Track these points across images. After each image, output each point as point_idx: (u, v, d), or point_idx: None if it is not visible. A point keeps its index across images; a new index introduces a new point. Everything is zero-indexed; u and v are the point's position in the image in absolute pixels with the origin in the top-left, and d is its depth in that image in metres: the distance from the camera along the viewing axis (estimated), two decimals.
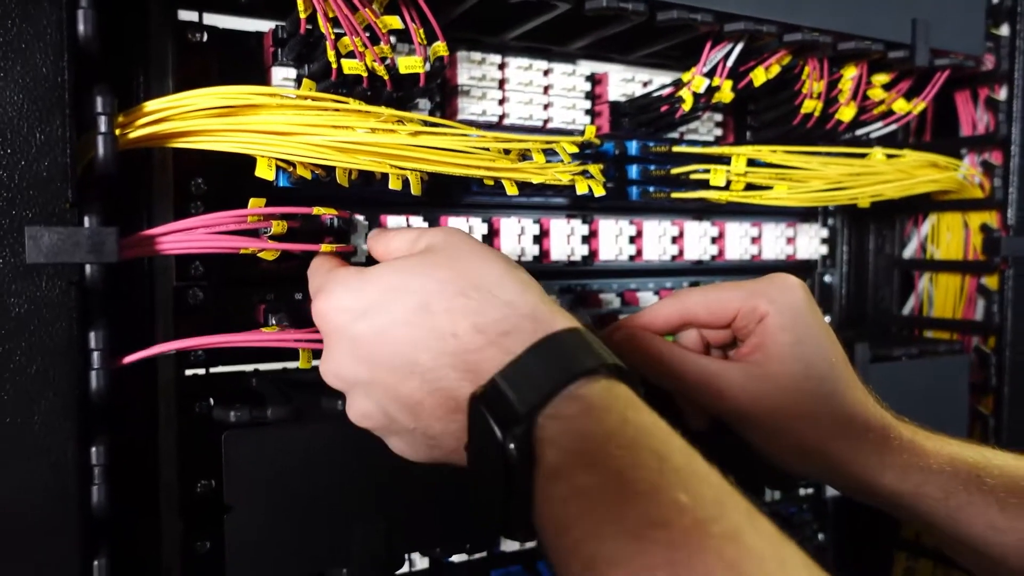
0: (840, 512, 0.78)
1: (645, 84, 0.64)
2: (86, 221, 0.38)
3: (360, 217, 0.54)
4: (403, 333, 0.36)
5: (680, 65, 0.67)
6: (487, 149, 0.49)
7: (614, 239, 0.65)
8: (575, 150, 0.53)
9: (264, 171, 0.44)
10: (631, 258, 0.66)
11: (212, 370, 0.53)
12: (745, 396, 0.45)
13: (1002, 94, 0.71)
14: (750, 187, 0.61)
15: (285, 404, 0.45)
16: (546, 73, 0.61)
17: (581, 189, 0.53)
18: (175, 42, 0.50)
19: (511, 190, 0.51)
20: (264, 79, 0.53)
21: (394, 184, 0.47)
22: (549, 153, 0.52)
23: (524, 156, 0.51)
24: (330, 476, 0.44)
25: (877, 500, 0.45)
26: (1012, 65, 0.70)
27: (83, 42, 0.38)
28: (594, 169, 0.54)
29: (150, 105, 0.41)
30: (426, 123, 0.47)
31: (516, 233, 0.60)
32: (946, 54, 0.65)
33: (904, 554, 0.78)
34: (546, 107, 0.61)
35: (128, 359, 0.41)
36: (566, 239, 0.63)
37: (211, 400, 0.47)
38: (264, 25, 0.54)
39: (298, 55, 0.51)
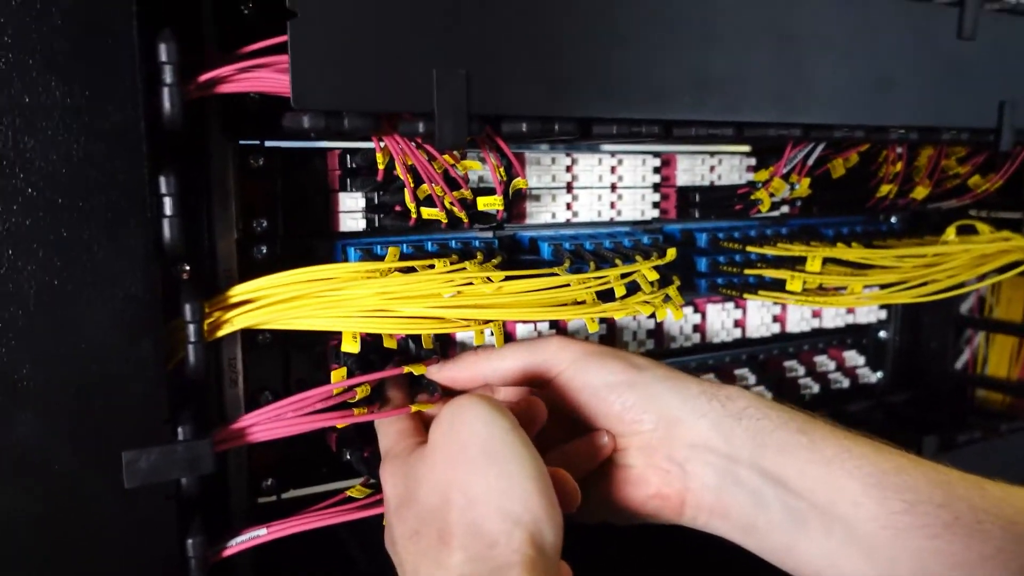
0: None
1: (712, 168, 0.62)
2: (180, 433, 0.37)
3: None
4: (402, 555, 0.38)
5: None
6: (568, 287, 0.47)
7: (675, 326, 0.64)
8: (655, 276, 0.51)
9: (349, 345, 0.42)
10: (696, 343, 0.65)
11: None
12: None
13: None
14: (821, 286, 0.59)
15: None
16: (613, 169, 0.58)
17: (661, 317, 0.51)
18: (237, 169, 0.48)
19: (592, 327, 0.49)
20: (329, 201, 0.50)
21: (478, 340, 0.46)
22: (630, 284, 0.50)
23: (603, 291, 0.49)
24: None
25: None
26: None
27: (168, 251, 0.36)
28: (672, 291, 0.52)
29: (239, 290, 0.39)
30: (509, 276, 0.45)
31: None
32: None
33: None
34: (613, 205, 0.58)
35: (226, 553, 0.40)
36: (631, 333, 0.61)
37: None
38: (326, 144, 0.51)
39: (369, 188, 0.48)
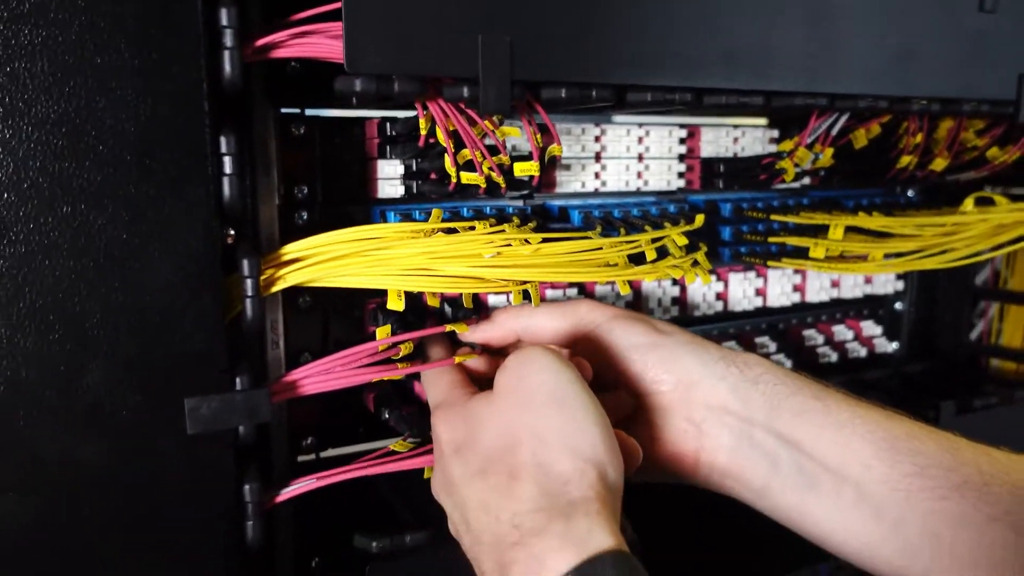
0: None
1: (736, 140, 0.63)
2: (237, 383, 0.39)
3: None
4: (465, 492, 0.39)
5: (771, 112, 0.65)
6: (601, 257, 0.49)
7: (699, 294, 0.65)
8: (685, 241, 0.53)
9: (394, 303, 0.44)
10: (719, 311, 0.66)
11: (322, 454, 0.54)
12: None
13: None
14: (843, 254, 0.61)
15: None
16: (640, 140, 0.59)
17: (690, 281, 0.53)
18: (279, 137, 0.49)
19: (624, 290, 0.51)
20: (367, 168, 0.52)
21: (516, 300, 0.47)
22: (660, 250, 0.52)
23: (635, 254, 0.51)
24: None
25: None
26: None
27: (227, 209, 0.38)
28: (700, 257, 0.54)
29: (290, 249, 0.41)
30: (547, 238, 0.47)
31: (611, 299, 0.61)
32: None
33: None
34: (639, 175, 0.60)
35: (279, 499, 0.42)
36: (656, 300, 0.63)
37: None
38: (365, 112, 0.53)
39: (409, 155, 0.50)
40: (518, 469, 0.37)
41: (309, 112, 0.51)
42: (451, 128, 0.45)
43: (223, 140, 0.37)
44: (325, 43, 0.39)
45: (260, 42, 0.38)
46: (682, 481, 0.47)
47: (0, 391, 0.34)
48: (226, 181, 0.37)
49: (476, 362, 0.48)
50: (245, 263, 0.38)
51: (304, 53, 0.39)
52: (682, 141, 0.61)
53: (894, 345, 0.79)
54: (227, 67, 0.36)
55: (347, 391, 0.49)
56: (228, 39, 0.36)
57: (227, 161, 0.37)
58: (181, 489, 0.38)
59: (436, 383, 0.46)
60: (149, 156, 0.35)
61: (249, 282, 0.38)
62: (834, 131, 0.57)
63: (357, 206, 0.53)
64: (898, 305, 0.80)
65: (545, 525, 0.35)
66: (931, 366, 0.79)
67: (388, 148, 0.51)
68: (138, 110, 0.35)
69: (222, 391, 0.38)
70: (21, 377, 0.34)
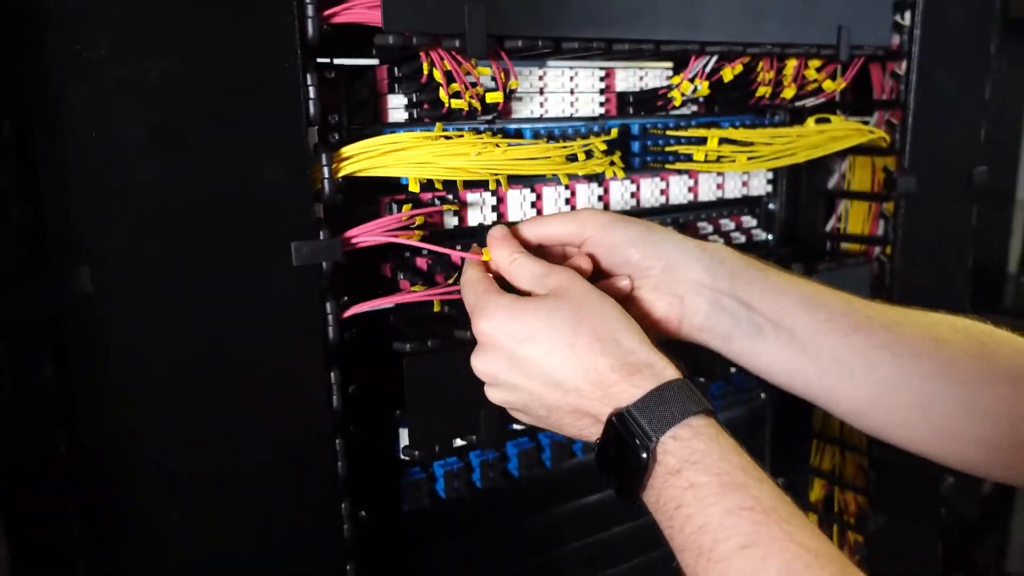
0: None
1: (641, 78, 0.86)
2: (322, 235, 0.60)
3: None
4: (554, 361, 0.54)
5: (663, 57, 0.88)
6: (549, 157, 0.71)
7: (619, 194, 0.89)
8: (604, 147, 0.75)
9: (414, 186, 0.66)
10: (632, 207, 0.90)
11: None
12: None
13: (902, 69, 0.95)
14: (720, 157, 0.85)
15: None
16: (572, 79, 0.82)
17: (609, 175, 0.76)
18: (317, 79, 0.70)
19: (564, 180, 0.73)
20: (379, 102, 0.73)
21: (492, 186, 0.70)
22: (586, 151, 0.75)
23: (572, 156, 0.74)
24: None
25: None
26: (911, 47, 0.93)
27: (313, 122, 0.59)
28: (616, 158, 0.77)
29: (346, 149, 0.62)
30: (511, 143, 0.69)
31: (554, 197, 0.83)
32: (861, 47, 0.88)
33: (816, 441, 1.09)
34: (572, 103, 0.82)
35: (350, 312, 0.64)
36: (587, 199, 0.86)
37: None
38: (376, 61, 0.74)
39: (413, 90, 0.71)
40: (596, 341, 0.53)
41: (337, 61, 0.71)
42: (447, 68, 0.67)
43: (308, 77, 0.58)
44: (366, 12, 0.60)
45: (326, 12, 0.59)
46: (669, 338, 0.62)
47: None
48: (311, 104, 0.58)
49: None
50: (324, 156, 0.60)
51: (353, 19, 0.60)
52: (602, 79, 0.84)
53: (769, 236, 1.04)
54: (310, 28, 0.57)
55: (371, 265, 0.71)
56: (310, 10, 0.57)
57: (311, 91, 0.58)
58: (287, 306, 0.60)
59: (478, 284, 0.60)
60: (261, 92, 0.56)
61: (326, 168, 0.60)
62: (707, 69, 0.81)
63: (372, 128, 0.74)
64: (771, 206, 1.05)
65: (636, 370, 0.52)
66: (796, 249, 1.04)
67: (396, 86, 0.72)
68: (257, 58, 0.55)
69: (314, 239, 0.59)
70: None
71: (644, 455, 0.50)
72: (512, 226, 0.65)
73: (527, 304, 0.56)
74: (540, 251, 0.65)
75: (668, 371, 0.53)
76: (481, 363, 0.58)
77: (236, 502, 0.59)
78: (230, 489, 0.59)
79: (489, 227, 0.66)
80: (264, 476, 0.60)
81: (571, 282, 0.57)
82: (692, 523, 0.47)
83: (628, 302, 0.61)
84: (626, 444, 0.51)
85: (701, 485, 0.47)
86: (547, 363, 0.54)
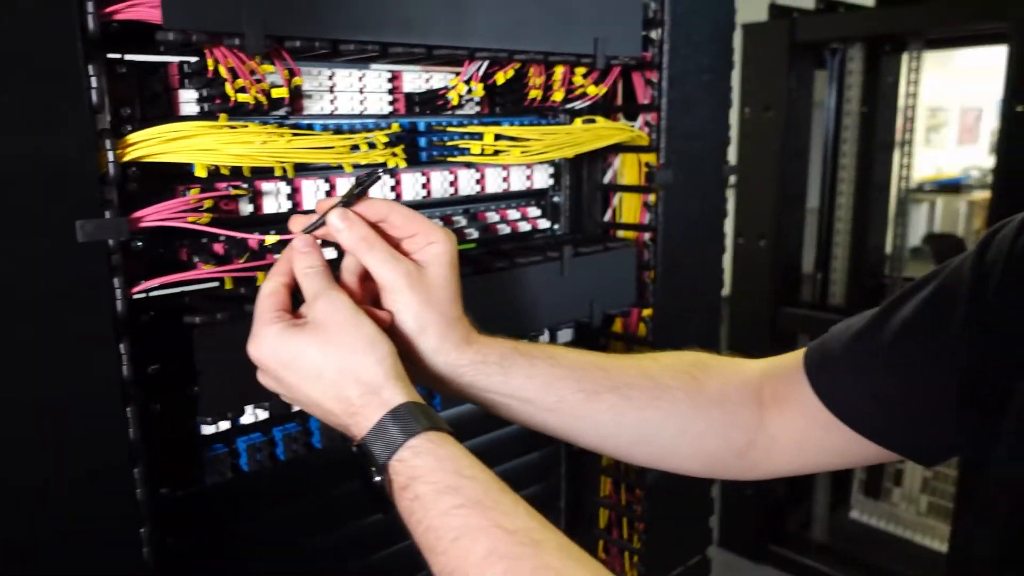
0: None
1: (427, 80, 0.96)
2: (107, 214, 0.65)
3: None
4: (307, 388, 0.64)
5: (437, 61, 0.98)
6: (332, 148, 0.79)
7: (411, 186, 0.97)
8: (386, 139, 0.84)
9: (201, 171, 0.71)
10: (424, 197, 0.99)
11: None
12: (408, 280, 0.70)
13: (656, 77, 1.10)
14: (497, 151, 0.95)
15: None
16: (360, 78, 0.90)
17: (391, 164, 0.85)
18: (107, 74, 0.74)
19: (348, 168, 0.81)
20: (172, 98, 0.78)
21: (278, 172, 0.76)
22: (371, 144, 0.83)
23: (355, 146, 0.82)
24: None
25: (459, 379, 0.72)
26: (661, 58, 1.08)
27: (96, 109, 0.64)
28: (398, 150, 0.86)
29: (132, 136, 0.67)
30: (296, 134, 0.76)
31: (347, 187, 0.91)
32: (616, 57, 1.02)
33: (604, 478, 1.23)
34: (362, 102, 0.91)
35: (140, 288, 0.68)
36: (379, 189, 0.94)
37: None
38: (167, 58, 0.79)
39: (201, 85, 0.77)
40: (339, 375, 0.62)
41: (129, 57, 0.76)
42: (230, 65, 0.73)
43: (90, 68, 0.63)
44: (148, 10, 0.65)
45: (107, 9, 0.64)
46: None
47: None
48: (94, 94, 0.63)
49: None
50: (107, 142, 0.64)
51: (135, 16, 0.65)
52: (390, 80, 0.93)
53: (555, 225, 1.16)
54: (91, 23, 0.62)
55: (168, 252, 0.76)
56: (90, 7, 0.62)
57: (93, 81, 0.63)
58: (75, 278, 0.64)
59: (257, 307, 0.67)
60: (49, 79, 0.60)
61: (111, 152, 0.65)
62: (480, 72, 0.91)
63: (164, 121, 0.78)
64: (556, 198, 1.17)
65: (369, 400, 0.61)
66: (578, 237, 1.17)
67: (186, 81, 0.78)
68: (43, 43, 0.60)
69: (99, 217, 0.64)
70: None
71: (378, 479, 0.60)
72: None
73: (290, 336, 0.65)
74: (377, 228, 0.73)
75: (396, 397, 0.61)
76: (258, 375, 0.69)
77: (26, 476, 0.63)
78: (20, 462, 0.62)
79: (286, 215, 0.75)
80: (53, 448, 0.64)
81: (333, 311, 0.65)
82: (422, 526, 0.57)
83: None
84: (365, 471, 0.61)
85: (423, 496, 0.57)
86: (303, 388, 0.64)
